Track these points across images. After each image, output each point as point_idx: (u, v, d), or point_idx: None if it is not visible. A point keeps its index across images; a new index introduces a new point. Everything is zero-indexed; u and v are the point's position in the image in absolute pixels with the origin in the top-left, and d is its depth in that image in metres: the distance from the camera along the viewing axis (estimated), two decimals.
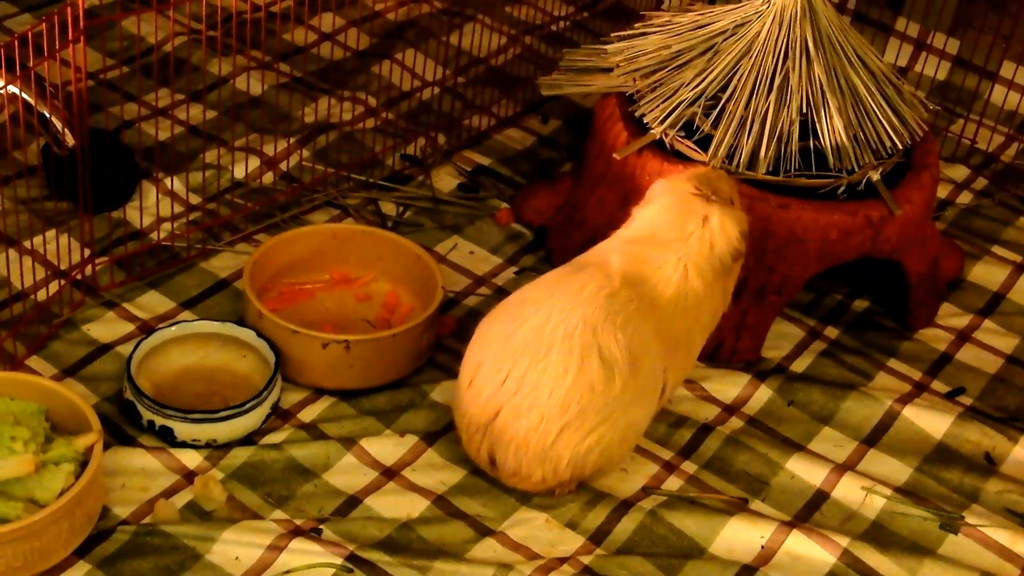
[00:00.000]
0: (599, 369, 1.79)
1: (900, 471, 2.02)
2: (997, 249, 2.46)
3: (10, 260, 2.12)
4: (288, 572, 1.77)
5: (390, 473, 1.93)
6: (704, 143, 2.10)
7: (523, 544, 1.85)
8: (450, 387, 2.00)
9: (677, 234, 1.87)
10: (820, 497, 1.96)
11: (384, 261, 2.18)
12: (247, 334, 2.02)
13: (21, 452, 1.72)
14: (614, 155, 2.13)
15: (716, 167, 2.04)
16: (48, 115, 2.14)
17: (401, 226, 2.35)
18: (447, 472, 1.94)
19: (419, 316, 2.04)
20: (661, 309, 1.85)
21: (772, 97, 2.09)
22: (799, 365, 2.18)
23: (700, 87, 2.12)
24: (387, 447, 1.96)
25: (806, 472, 1.99)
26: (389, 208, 2.39)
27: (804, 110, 2.10)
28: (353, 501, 1.89)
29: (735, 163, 2.08)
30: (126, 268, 2.19)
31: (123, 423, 1.95)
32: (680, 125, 2.12)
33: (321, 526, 1.84)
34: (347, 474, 1.92)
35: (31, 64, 1.91)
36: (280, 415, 1.99)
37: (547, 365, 1.79)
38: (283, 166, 2.42)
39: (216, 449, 1.92)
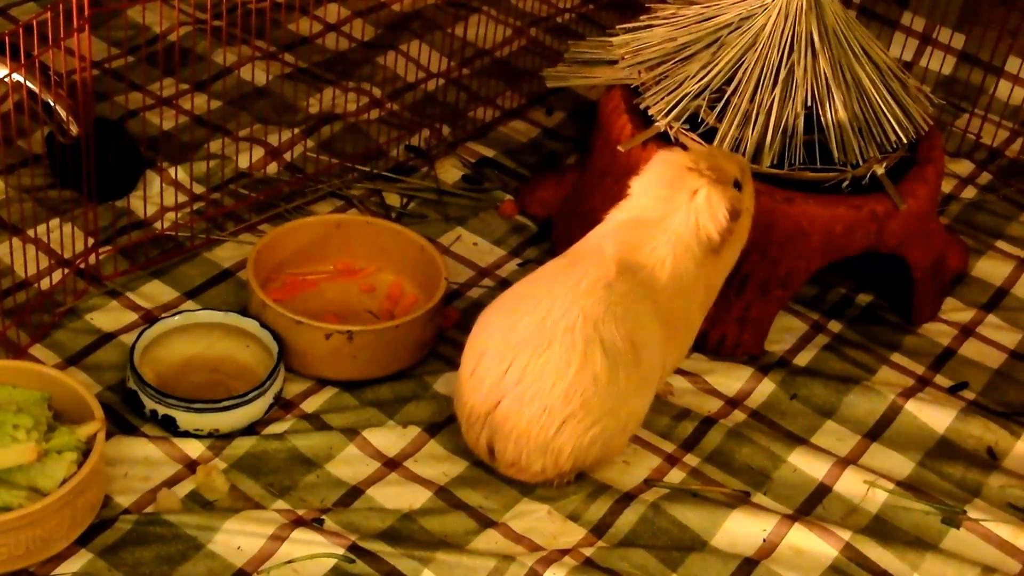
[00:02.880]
0: (602, 361, 1.79)
1: (902, 465, 2.02)
2: (1001, 244, 2.46)
3: (14, 248, 2.12)
4: (290, 562, 1.77)
5: (392, 464, 1.93)
6: (709, 136, 2.10)
7: (525, 536, 1.85)
8: (453, 378, 1.99)
9: (665, 209, 1.86)
10: (822, 491, 1.96)
11: (388, 252, 2.18)
12: (250, 324, 2.02)
13: (24, 440, 1.72)
14: (619, 148, 2.13)
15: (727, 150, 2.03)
16: (53, 104, 2.14)
17: (405, 217, 2.35)
18: (449, 463, 1.94)
19: (422, 307, 2.04)
20: (659, 292, 1.85)
21: (777, 90, 2.09)
22: (802, 359, 2.18)
23: (705, 80, 2.12)
24: (389, 438, 1.96)
25: (808, 466, 1.99)
26: (393, 199, 2.39)
27: (809, 104, 2.10)
28: (355, 492, 1.89)
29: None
30: (130, 257, 2.19)
31: (126, 412, 1.95)
32: (685, 118, 2.12)
33: (323, 516, 1.84)
34: (349, 465, 1.92)
35: (36, 52, 1.91)
36: (283, 405, 2.00)
37: (550, 357, 1.79)
38: (287, 156, 2.42)
39: (219, 439, 1.92)
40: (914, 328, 2.27)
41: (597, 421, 1.82)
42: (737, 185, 1.90)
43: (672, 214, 1.85)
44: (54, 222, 2.19)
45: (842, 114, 2.09)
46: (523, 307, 1.82)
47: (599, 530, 1.87)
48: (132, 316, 2.10)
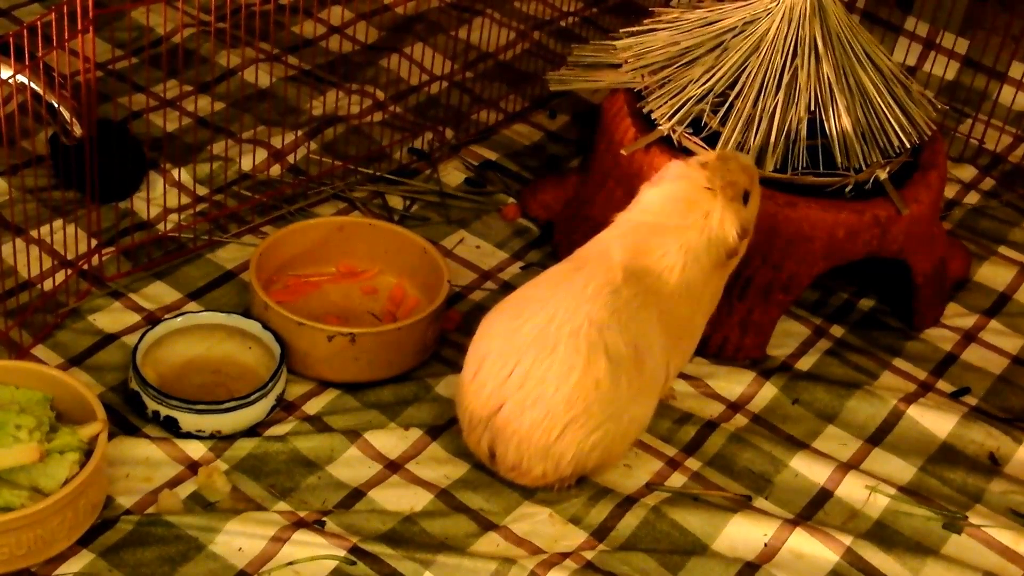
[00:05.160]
0: (605, 366, 1.79)
1: (904, 470, 2.02)
2: (1004, 250, 2.46)
3: (17, 249, 2.12)
4: (291, 564, 1.77)
5: (394, 466, 1.93)
6: (712, 140, 2.10)
7: (526, 539, 1.85)
8: (455, 381, 1.99)
9: (678, 220, 1.86)
10: (824, 495, 1.96)
11: (390, 254, 2.18)
12: (253, 326, 2.02)
13: (26, 440, 1.72)
14: (622, 151, 2.13)
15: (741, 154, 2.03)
16: (56, 105, 2.14)
17: (408, 220, 2.35)
18: (451, 466, 1.94)
19: (425, 310, 2.04)
20: (665, 298, 1.85)
21: (780, 95, 2.09)
22: (804, 363, 2.18)
23: (708, 84, 2.12)
24: (391, 440, 1.96)
25: (810, 470, 1.99)
26: (396, 202, 2.39)
27: (812, 108, 2.10)
28: (357, 494, 1.89)
29: None
30: (133, 258, 2.19)
31: (128, 413, 1.95)
32: (688, 122, 2.12)
33: (324, 518, 1.84)
34: (351, 467, 1.92)
35: (40, 54, 1.92)
36: (285, 407, 2.00)
37: (553, 362, 1.79)
38: (290, 158, 2.42)
39: (220, 440, 1.92)
40: (916, 333, 2.27)
41: (599, 426, 1.82)
42: (745, 194, 1.90)
43: (685, 227, 1.85)
44: (57, 223, 2.19)
45: (845, 119, 2.09)
46: (527, 311, 1.82)
47: (600, 533, 1.87)
48: (135, 317, 2.10)
